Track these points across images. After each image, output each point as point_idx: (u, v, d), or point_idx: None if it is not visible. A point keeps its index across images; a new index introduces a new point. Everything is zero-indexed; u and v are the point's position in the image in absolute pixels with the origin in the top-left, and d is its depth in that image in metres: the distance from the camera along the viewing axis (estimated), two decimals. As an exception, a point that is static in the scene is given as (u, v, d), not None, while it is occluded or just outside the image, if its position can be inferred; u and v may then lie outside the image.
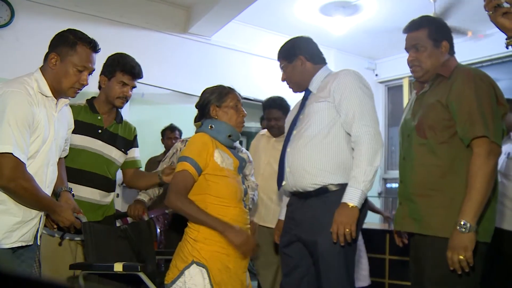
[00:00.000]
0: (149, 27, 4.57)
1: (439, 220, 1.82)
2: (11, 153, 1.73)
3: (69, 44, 1.93)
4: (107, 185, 2.50)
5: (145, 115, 4.86)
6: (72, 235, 2.32)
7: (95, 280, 2.24)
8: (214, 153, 2.00)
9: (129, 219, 2.79)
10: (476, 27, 4.81)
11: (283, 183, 2.24)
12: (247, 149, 3.37)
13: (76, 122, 2.26)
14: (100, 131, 2.45)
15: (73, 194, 2.16)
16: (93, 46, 1.99)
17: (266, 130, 3.42)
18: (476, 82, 1.81)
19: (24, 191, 1.79)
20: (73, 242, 2.40)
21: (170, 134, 4.59)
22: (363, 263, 3.84)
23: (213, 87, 2.17)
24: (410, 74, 2.08)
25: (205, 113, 2.12)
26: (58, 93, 1.96)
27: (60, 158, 2.11)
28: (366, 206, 2.12)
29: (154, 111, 5.36)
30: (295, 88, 2.36)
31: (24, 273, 1.78)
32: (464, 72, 1.87)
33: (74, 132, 2.27)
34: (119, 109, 2.56)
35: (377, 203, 5.63)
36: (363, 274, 3.82)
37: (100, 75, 2.45)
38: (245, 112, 2.15)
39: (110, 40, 4.09)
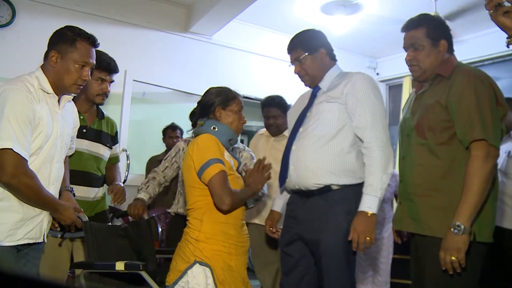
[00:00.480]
0: (150, 26, 4.57)
1: (437, 220, 1.82)
2: (11, 149, 1.73)
3: (68, 41, 1.93)
4: (98, 181, 2.56)
5: (146, 114, 4.86)
6: (72, 234, 2.33)
7: (96, 279, 2.24)
8: (224, 153, 2.03)
9: (130, 218, 2.79)
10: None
11: (286, 180, 2.23)
12: (247, 148, 3.37)
13: None
14: (84, 130, 2.48)
15: (74, 194, 2.17)
16: (92, 41, 1.99)
17: (265, 129, 3.42)
18: (476, 83, 1.80)
19: (26, 188, 1.79)
20: (68, 240, 2.43)
21: (171, 133, 4.59)
22: (382, 269, 3.85)
23: (218, 88, 2.17)
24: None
25: (208, 113, 2.12)
26: (60, 90, 1.97)
27: (65, 157, 2.12)
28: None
29: (155, 110, 5.36)
30: (309, 82, 2.28)
31: (26, 273, 1.78)
32: (464, 72, 1.85)
33: None
34: (99, 106, 2.60)
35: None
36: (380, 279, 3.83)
37: None
38: (245, 119, 2.17)
39: (111, 40, 4.10)
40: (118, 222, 2.89)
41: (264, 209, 3.24)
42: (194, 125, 2.21)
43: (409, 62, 1.99)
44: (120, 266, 2.05)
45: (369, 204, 1.97)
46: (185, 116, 2.91)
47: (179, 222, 2.74)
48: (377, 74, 6.15)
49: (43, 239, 1.95)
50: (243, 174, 2.60)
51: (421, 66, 1.95)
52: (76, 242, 2.49)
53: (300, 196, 2.18)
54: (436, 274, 1.80)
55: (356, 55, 5.93)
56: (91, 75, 2.43)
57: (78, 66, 1.94)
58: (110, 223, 2.66)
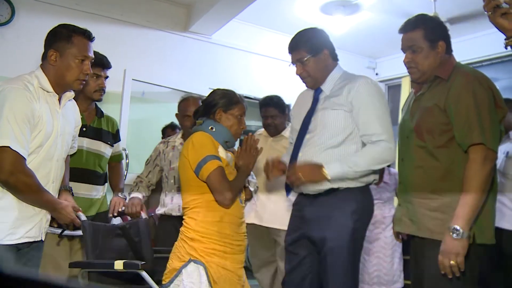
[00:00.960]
0: (149, 25, 4.57)
1: (436, 223, 1.82)
2: (9, 147, 1.74)
3: (64, 38, 1.95)
4: (99, 178, 2.59)
5: (145, 114, 4.86)
6: (71, 233, 2.34)
7: (94, 278, 2.24)
8: (218, 149, 2.04)
9: (129, 217, 2.80)
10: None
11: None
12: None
13: None
14: (84, 129, 2.50)
15: (72, 194, 2.17)
16: (88, 35, 2.01)
17: (263, 129, 3.42)
18: (474, 85, 1.79)
19: (24, 186, 1.80)
20: (67, 239, 2.43)
21: (170, 132, 4.57)
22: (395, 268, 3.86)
23: (224, 90, 2.18)
24: (410, 73, 2.07)
25: (209, 113, 2.13)
26: (62, 88, 1.98)
27: (67, 156, 2.12)
28: (371, 207, 2.17)
29: (155, 109, 5.35)
30: (311, 84, 2.24)
31: (26, 272, 1.78)
32: (463, 74, 1.84)
33: None
34: (97, 104, 2.64)
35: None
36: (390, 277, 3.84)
37: None
38: (246, 125, 2.18)
39: (111, 39, 4.10)
40: (116, 221, 2.90)
41: (260, 209, 3.24)
42: (194, 124, 2.22)
43: (408, 64, 1.98)
44: (119, 265, 2.05)
45: (334, 166, 2.01)
46: (184, 115, 2.91)
47: (166, 223, 2.75)
48: (376, 74, 6.15)
49: (42, 237, 1.95)
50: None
51: (419, 68, 1.94)
52: (74, 241, 2.49)
53: (306, 196, 2.19)
54: (435, 276, 1.80)
55: (355, 55, 5.93)
56: None
57: (78, 61, 1.95)
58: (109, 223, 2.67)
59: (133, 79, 4.34)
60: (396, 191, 4.35)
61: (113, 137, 2.71)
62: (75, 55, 1.95)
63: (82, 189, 2.43)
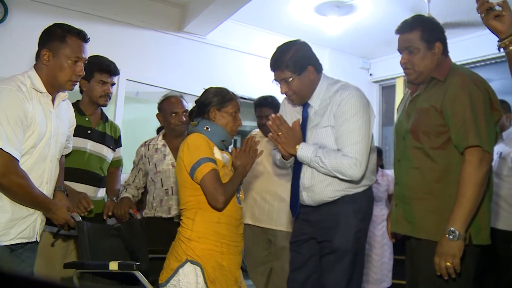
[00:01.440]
0: (143, 25, 4.55)
1: (432, 224, 1.83)
2: (1, 148, 1.72)
3: (58, 38, 1.93)
4: (100, 181, 2.61)
5: (139, 114, 4.84)
6: (66, 233, 2.33)
7: (89, 279, 2.23)
8: (214, 150, 2.03)
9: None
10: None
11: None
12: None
13: None
14: (89, 131, 2.55)
15: (67, 194, 2.16)
16: (83, 36, 1.99)
17: (258, 130, 3.42)
18: (470, 88, 1.80)
19: (17, 187, 1.79)
20: (61, 240, 2.43)
21: (165, 132, 4.58)
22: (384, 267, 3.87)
23: (217, 88, 2.16)
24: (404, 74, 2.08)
25: (204, 112, 2.12)
26: (55, 88, 1.96)
27: (61, 157, 2.12)
28: (371, 207, 2.20)
29: (149, 109, 5.32)
30: (297, 101, 2.20)
31: (20, 273, 1.77)
32: (459, 76, 1.85)
33: None
34: (103, 108, 2.69)
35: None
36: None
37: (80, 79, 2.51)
38: (241, 122, 2.16)
39: (105, 38, 4.08)
40: (111, 222, 2.89)
41: (256, 209, 3.24)
42: (188, 122, 2.21)
43: (404, 65, 1.98)
44: (113, 266, 2.04)
45: (306, 150, 2.06)
46: (179, 116, 2.90)
47: (154, 226, 2.73)
48: (370, 75, 6.17)
49: (36, 238, 1.94)
50: None
51: (416, 70, 1.94)
52: (69, 242, 2.49)
53: (310, 206, 2.21)
54: (431, 276, 1.81)
55: (349, 56, 5.94)
56: (93, 79, 2.51)
57: (71, 62, 1.94)
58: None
59: (127, 79, 4.33)
60: (387, 191, 4.39)
61: (115, 142, 2.75)
62: (68, 56, 1.93)
63: (82, 189, 2.44)
